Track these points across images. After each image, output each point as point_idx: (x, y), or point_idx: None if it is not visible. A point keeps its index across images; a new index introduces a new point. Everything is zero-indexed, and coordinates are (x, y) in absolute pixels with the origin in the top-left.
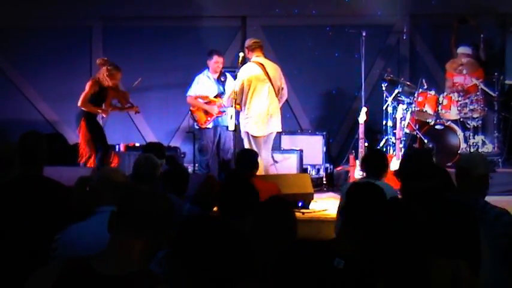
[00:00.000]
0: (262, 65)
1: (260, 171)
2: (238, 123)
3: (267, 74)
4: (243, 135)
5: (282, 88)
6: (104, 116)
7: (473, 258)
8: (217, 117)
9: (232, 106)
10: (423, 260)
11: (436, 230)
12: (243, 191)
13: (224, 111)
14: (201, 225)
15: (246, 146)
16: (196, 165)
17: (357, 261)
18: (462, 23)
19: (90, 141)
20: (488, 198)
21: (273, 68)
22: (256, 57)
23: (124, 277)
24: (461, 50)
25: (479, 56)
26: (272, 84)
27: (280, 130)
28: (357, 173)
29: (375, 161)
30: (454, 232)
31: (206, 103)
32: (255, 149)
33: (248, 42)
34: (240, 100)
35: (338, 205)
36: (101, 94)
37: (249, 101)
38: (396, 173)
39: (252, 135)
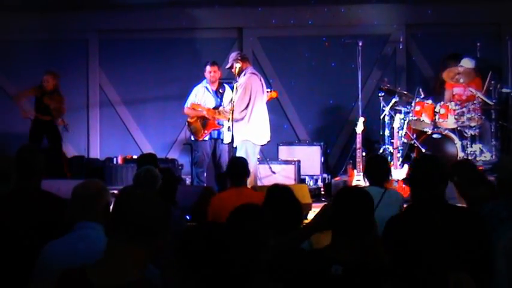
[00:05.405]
0: (257, 76)
1: (251, 180)
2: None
3: (262, 85)
4: (240, 144)
5: None
6: (26, 116)
7: (482, 268)
8: (213, 130)
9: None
10: (443, 272)
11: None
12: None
13: (222, 124)
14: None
15: (242, 154)
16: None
17: (355, 267)
18: (453, 60)
19: None
20: None
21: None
22: (252, 68)
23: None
24: (464, 62)
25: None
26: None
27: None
28: (355, 183)
29: (377, 168)
30: (463, 242)
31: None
32: (252, 157)
33: (239, 54)
34: (243, 108)
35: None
36: (39, 100)
37: (252, 110)
38: (405, 180)
39: (253, 143)
